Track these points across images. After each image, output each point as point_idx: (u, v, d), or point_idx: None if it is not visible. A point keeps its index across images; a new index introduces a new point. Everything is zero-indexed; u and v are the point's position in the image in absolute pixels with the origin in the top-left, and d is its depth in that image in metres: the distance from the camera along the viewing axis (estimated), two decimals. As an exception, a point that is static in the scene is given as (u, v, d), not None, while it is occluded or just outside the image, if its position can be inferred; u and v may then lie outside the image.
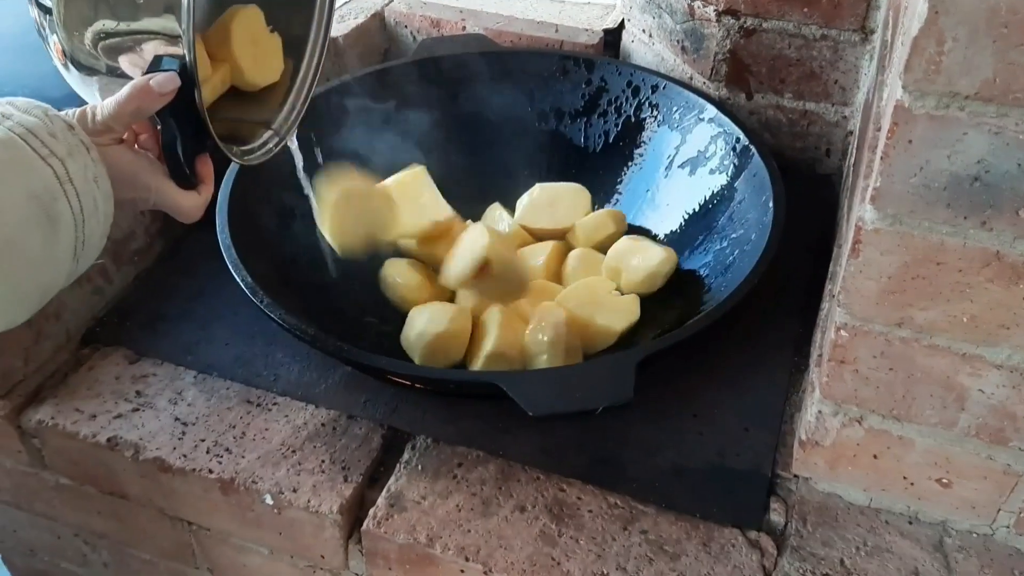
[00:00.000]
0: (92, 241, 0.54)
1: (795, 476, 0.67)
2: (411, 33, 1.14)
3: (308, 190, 0.77)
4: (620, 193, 0.93)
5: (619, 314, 0.78)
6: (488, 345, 0.73)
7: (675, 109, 0.90)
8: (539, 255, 0.84)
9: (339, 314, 0.79)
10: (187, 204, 0.62)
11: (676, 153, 0.89)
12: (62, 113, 0.54)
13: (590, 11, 1.12)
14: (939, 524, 0.65)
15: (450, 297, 0.81)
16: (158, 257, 0.87)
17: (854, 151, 0.82)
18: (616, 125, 0.94)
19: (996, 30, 0.43)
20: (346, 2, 1.15)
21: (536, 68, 0.97)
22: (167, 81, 0.56)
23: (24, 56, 0.82)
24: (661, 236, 0.87)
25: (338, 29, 1.09)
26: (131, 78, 0.57)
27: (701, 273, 0.81)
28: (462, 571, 0.63)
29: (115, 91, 0.56)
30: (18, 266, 0.50)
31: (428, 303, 0.78)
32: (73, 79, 0.61)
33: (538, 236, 0.88)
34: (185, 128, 0.59)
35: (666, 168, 0.90)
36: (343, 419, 0.72)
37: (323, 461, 0.69)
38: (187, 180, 0.61)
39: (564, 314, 0.74)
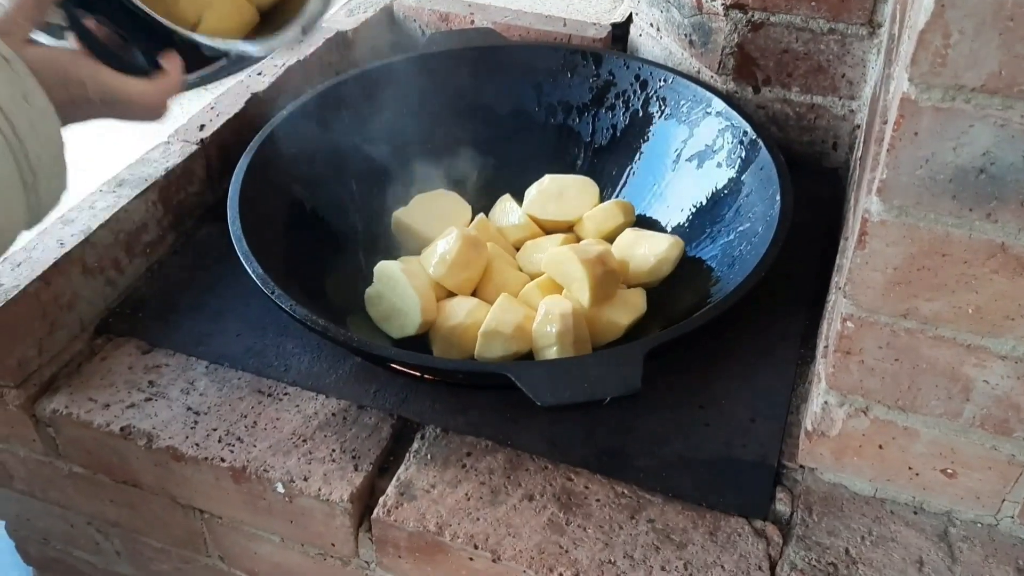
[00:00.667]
0: (43, 166, 0.49)
1: (801, 466, 0.68)
2: (420, 27, 1.15)
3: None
4: (628, 186, 0.93)
5: (626, 307, 0.78)
6: (483, 324, 0.74)
7: (683, 103, 0.91)
8: (548, 246, 0.84)
9: (349, 304, 0.80)
10: (136, 91, 0.55)
11: (684, 147, 0.90)
12: None
13: (598, 5, 1.13)
14: (944, 514, 0.65)
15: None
16: (170, 249, 0.87)
17: (861, 144, 0.83)
18: (624, 119, 0.95)
19: (1002, 23, 0.43)
20: (355, -4, 1.16)
21: (544, 62, 0.97)
22: None
23: None
24: (669, 229, 0.88)
25: (347, 23, 1.09)
26: None
27: (708, 265, 0.81)
28: (471, 559, 0.64)
29: None
30: None
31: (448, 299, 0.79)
32: None
33: (546, 228, 0.89)
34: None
35: (674, 161, 0.90)
36: (353, 409, 0.73)
37: (334, 450, 0.69)
38: (125, 63, 0.54)
39: (571, 306, 0.75)
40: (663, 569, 0.62)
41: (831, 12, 0.85)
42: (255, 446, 0.70)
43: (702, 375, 0.74)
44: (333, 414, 0.72)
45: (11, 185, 0.47)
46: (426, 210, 0.88)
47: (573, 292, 0.77)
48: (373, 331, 0.78)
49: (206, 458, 0.69)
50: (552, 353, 0.73)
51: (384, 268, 0.78)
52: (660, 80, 0.93)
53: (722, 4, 0.89)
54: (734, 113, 0.86)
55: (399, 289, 0.76)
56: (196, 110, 0.94)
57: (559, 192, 0.89)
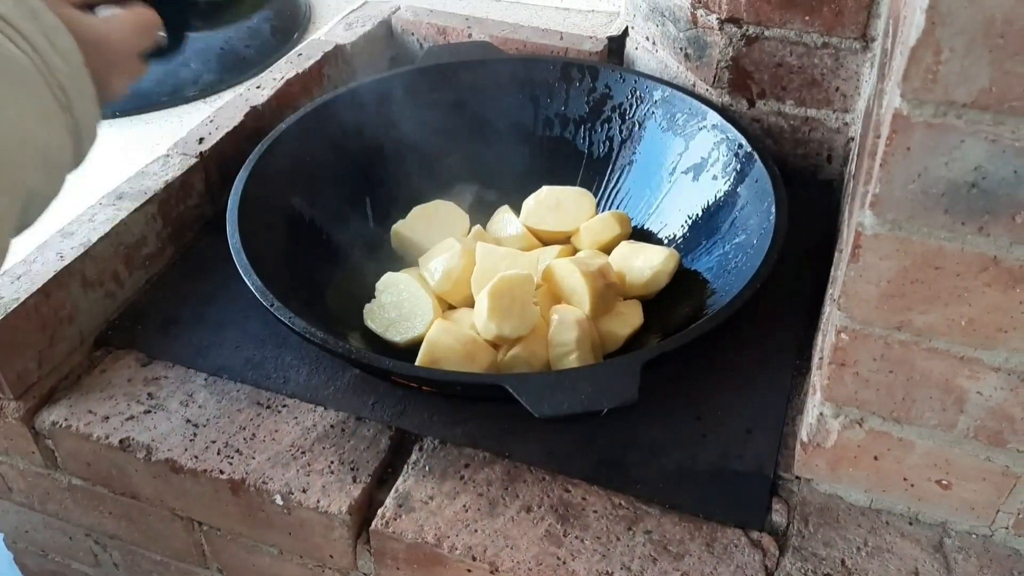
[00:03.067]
0: (70, 81, 0.47)
1: (797, 477, 0.68)
2: (418, 40, 1.16)
3: None
4: (624, 198, 0.94)
5: (623, 319, 0.79)
6: None
7: (678, 116, 0.92)
8: (545, 258, 0.85)
9: (347, 317, 0.81)
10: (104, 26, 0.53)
11: (679, 159, 0.90)
12: None
13: (594, 19, 1.13)
14: (939, 525, 0.66)
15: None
16: (169, 262, 0.88)
17: (855, 157, 0.83)
18: (620, 131, 0.96)
19: (992, 40, 0.44)
20: (354, 9, 1.17)
21: (541, 75, 0.98)
22: None
23: None
24: (664, 241, 0.88)
25: (345, 36, 1.10)
26: None
27: (704, 277, 0.82)
28: (469, 570, 0.64)
29: None
30: None
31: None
32: None
33: (543, 239, 0.89)
34: None
35: (669, 174, 0.91)
36: (352, 421, 0.73)
37: (332, 462, 0.70)
38: None
39: (583, 312, 0.75)
40: (660, 580, 0.62)
41: (825, 26, 0.86)
42: (254, 458, 0.70)
43: (699, 386, 0.74)
44: (331, 426, 0.73)
45: (46, 103, 0.46)
46: (425, 221, 0.88)
47: (573, 304, 0.78)
48: (372, 343, 0.79)
49: (205, 470, 0.69)
50: (572, 360, 0.73)
51: (390, 277, 0.79)
52: (656, 93, 0.93)
53: (717, 18, 0.90)
54: (729, 126, 0.87)
55: (408, 292, 0.77)
56: (195, 123, 0.95)
57: (556, 203, 0.90)
